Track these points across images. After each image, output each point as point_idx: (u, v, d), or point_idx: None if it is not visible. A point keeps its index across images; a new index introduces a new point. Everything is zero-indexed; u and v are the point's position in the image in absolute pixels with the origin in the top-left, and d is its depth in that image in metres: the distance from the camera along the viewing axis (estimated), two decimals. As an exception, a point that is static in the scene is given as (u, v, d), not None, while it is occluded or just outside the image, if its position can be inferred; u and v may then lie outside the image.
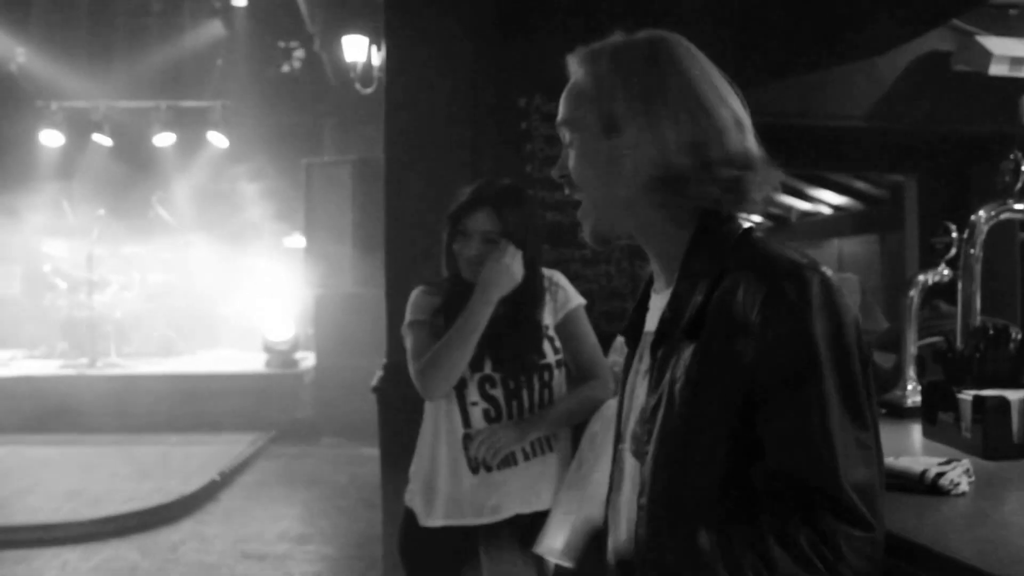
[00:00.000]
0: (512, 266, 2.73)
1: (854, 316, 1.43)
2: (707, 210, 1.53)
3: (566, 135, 1.60)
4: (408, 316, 2.90)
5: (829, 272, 1.43)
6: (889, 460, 2.05)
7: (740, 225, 1.56)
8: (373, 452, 5.66)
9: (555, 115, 1.62)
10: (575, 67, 1.60)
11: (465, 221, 2.79)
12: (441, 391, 2.78)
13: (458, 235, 2.80)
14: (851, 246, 11.08)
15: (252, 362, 11.36)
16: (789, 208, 11.58)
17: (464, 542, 2.86)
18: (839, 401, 1.38)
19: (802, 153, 5.66)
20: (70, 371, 10.91)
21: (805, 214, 11.47)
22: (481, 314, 2.71)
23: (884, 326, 3.99)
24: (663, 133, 1.47)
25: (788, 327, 1.38)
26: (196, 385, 10.50)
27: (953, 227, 2.87)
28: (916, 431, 2.73)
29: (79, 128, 13.17)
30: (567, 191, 1.61)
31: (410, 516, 2.92)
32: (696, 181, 1.48)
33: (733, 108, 1.52)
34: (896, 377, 3.09)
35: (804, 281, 1.40)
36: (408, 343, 2.86)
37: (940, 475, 1.97)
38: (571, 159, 1.59)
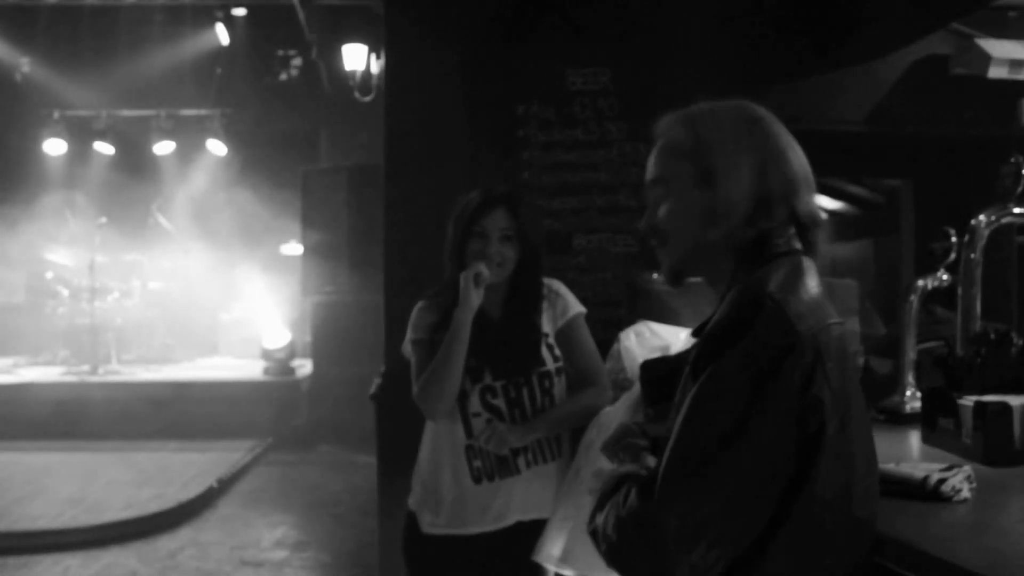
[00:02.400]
0: (468, 289, 2.73)
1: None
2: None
3: (658, 189, 1.77)
4: (409, 334, 2.91)
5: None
6: (889, 466, 2.06)
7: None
8: (368, 460, 5.68)
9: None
10: (667, 127, 1.78)
11: (482, 221, 2.81)
12: (442, 412, 2.81)
13: (474, 236, 2.81)
14: (845, 251, 11.05)
15: (250, 370, 11.34)
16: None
17: (466, 549, 2.86)
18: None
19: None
20: (72, 378, 10.88)
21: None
22: (458, 332, 2.74)
23: (882, 331, 4.00)
24: (752, 186, 1.66)
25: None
26: (195, 392, 10.47)
27: (953, 232, 2.87)
28: (915, 437, 2.72)
29: (81, 136, 13.17)
30: (654, 243, 1.80)
31: (412, 520, 2.93)
32: (778, 230, 1.68)
33: (806, 169, 1.72)
34: (894, 383, 3.08)
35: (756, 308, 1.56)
36: (412, 362, 2.87)
37: (942, 481, 1.97)
38: (662, 210, 1.75)
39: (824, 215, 1.76)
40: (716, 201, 1.67)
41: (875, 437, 2.61)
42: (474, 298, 2.73)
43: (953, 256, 2.88)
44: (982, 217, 2.72)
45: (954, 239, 2.87)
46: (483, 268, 2.75)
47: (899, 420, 2.93)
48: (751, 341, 1.52)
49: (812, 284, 1.64)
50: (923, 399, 2.72)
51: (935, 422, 2.52)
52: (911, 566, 1.70)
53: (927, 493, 1.96)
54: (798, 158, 1.71)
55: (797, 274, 1.64)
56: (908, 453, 2.60)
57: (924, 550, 1.69)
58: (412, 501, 2.96)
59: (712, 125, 1.72)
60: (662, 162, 1.77)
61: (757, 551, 1.53)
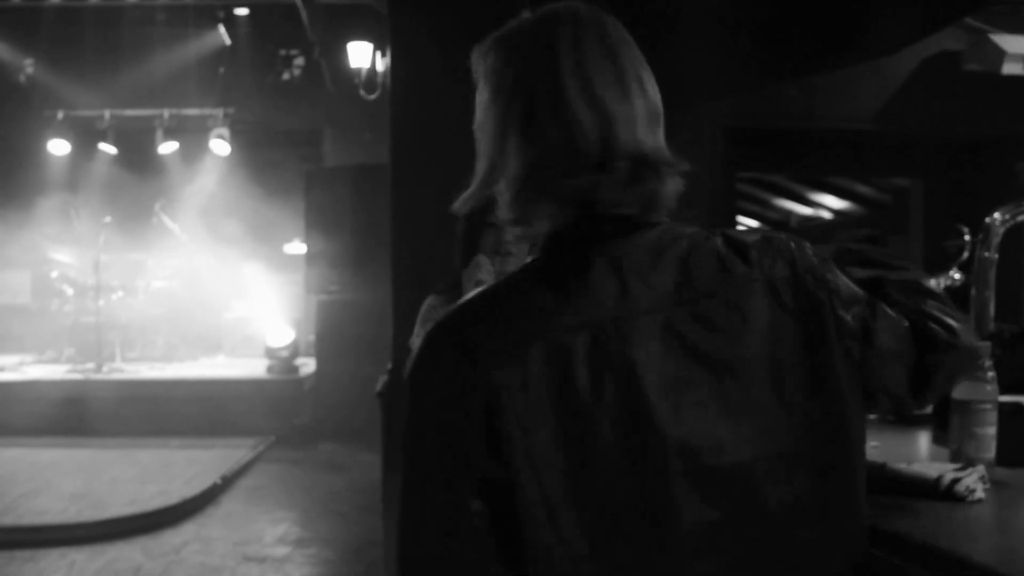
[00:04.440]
0: (485, 280, 2.72)
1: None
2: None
3: None
4: (418, 328, 2.90)
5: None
6: (901, 466, 2.04)
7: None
8: (370, 458, 5.68)
9: None
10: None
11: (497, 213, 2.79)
12: None
13: (489, 228, 2.79)
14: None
15: (253, 368, 11.34)
16: (789, 213, 11.54)
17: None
18: None
19: (808, 156, 5.62)
20: (77, 376, 10.89)
21: (805, 219, 11.43)
22: None
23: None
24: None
25: None
26: (199, 390, 10.48)
27: (966, 230, 2.84)
28: (924, 438, 2.70)
29: (85, 137, 13.21)
30: None
31: None
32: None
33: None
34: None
35: None
36: None
37: (955, 481, 1.94)
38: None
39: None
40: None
41: (884, 437, 2.63)
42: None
43: (966, 255, 2.85)
44: (997, 215, 2.69)
45: (968, 238, 2.84)
46: (484, 265, 2.73)
47: (909, 420, 2.90)
48: None
49: None
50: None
51: (946, 422, 2.50)
52: (926, 564, 1.68)
53: (941, 493, 1.94)
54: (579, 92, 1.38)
55: None
56: (918, 454, 2.58)
57: (940, 547, 1.67)
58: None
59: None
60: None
61: None
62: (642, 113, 1.38)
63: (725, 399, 1.30)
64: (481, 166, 1.48)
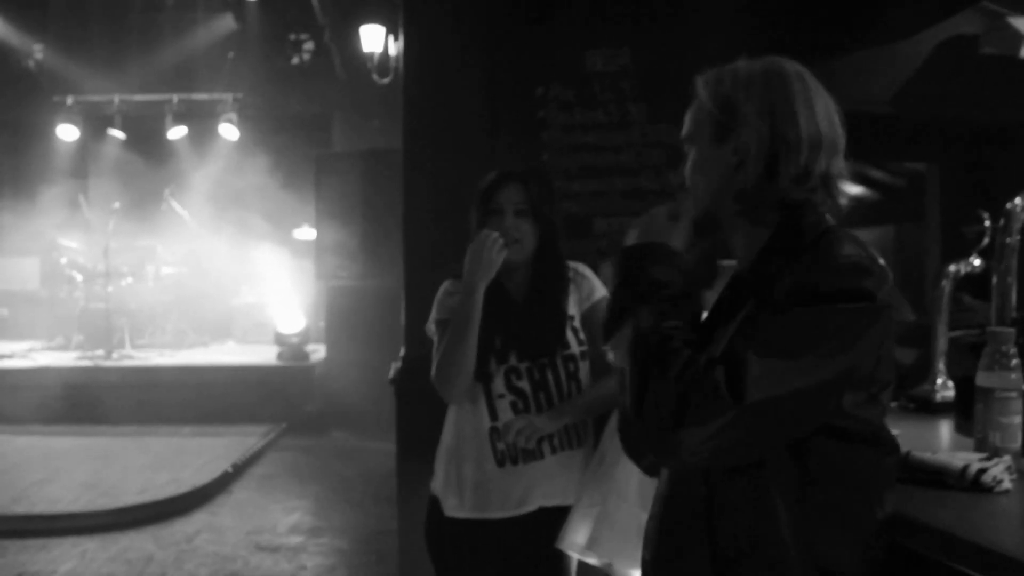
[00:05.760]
0: (492, 251, 2.70)
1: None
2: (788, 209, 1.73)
3: (688, 147, 1.84)
4: (434, 313, 2.88)
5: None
6: (926, 456, 2.01)
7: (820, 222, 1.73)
8: (382, 446, 5.66)
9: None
10: (698, 86, 1.81)
11: (497, 197, 2.80)
12: (457, 393, 2.77)
13: (491, 214, 2.79)
14: (866, 237, 10.85)
15: (263, 354, 11.33)
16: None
17: (489, 535, 2.82)
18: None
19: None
20: (86, 363, 10.90)
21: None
22: (469, 305, 2.72)
23: (912, 318, 3.92)
24: (763, 140, 1.70)
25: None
26: (209, 377, 10.48)
27: (986, 215, 2.79)
28: (946, 427, 2.67)
29: (94, 122, 13.22)
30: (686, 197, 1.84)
31: (435, 505, 2.90)
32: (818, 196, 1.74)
33: (829, 130, 1.73)
34: (921, 372, 3.02)
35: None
36: (435, 342, 2.84)
37: (982, 471, 1.91)
38: (688, 165, 1.84)
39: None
40: (730, 155, 1.73)
41: (905, 425, 2.59)
42: (488, 263, 2.70)
43: (986, 241, 2.80)
44: (1018, 200, 2.64)
45: (988, 223, 2.80)
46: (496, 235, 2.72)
47: (930, 409, 2.87)
48: (866, 305, 1.60)
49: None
50: (957, 388, 2.65)
51: (970, 411, 2.46)
52: (954, 555, 1.65)
53: (967, 483, 1.91)
54: (818, 117, 1.72)
55: (864, 247, 1.68)
56: (940, 442, 2.55)
57: (967, 538, 1.65)
58: (435, 485, 2.93)
59: (731, 81, 1.76)
60: (689, 119, 1.83)
61: None
62: None
63: None
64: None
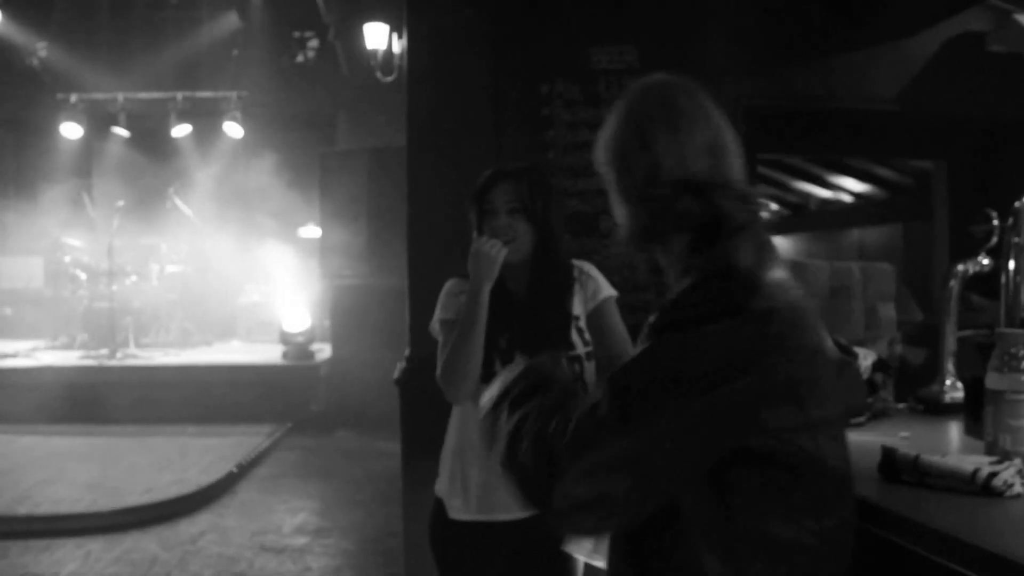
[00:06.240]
0: (490, 252, 2.67)
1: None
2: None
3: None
4: (438, 313, 2.85)
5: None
6: (936, 459, 1.98)
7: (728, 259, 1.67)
8: (388, 446, 5.64)
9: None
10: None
11: (489, 196, 2.78)
12: (463, 394, 2.74)
13: (485, 215, 2.76)
14: (873, 235, 10.91)
15: (268, 354, 11.32)
16: (807, 196, 11.42)
17: (494, 537, 2.80)
18: None
19: (827, 137, 5.54)
20: (90, 362, 10.90)
21: (824, 202, 11.30)
22: (474, 308, 2.69)
23: (919, 318, 3.90)
24: (653, 165, 1.74)
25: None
26: (213, 376, 10.46)
27: (994, 214, 2.77)
28: (955, 428, 2.64)
29: (98, 120, 13.21)
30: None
31: (439, 507, 2.88)
32: (731, 204, 1.71)
33: (718, 143, 1.75)
34: (928, 372, 2.99)
35: None
36: (440, 343, 2.81)
37: (992, 475, 1.88)
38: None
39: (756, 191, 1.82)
40: (633, 181, 1.77)
41: (915, 427, 2.56)
42: (490, 264, 2.68)
43: (995, 240, 2.77)
44: (1028, 199, 2.62)
45: (996, 222, 2.77)
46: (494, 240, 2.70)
47: (938, 410, 2.84)
48: (729, 320, 1.56)
49: (778, 261, 1.70)
50: (966, 389, 2.62)
51: (980, 413, 2.43)
52: (963, 561, 1.62)
53: (978, 488, 1.88)
54: (706, 132, 1.75)
55: (764, 251, 1.69)
56: (949, 445, 2.52)
57: (976, 545, 1.62)
58: (439, 487, 2.91)
59: (625, 114, 1.81)
60: (600, 151, 1.87)
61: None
62: None
63: None
64: None
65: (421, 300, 2.93)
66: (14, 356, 11.07)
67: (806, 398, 1.60)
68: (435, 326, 2.86)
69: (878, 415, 2.73)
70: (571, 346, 2.80)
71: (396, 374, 4.31)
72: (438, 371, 2.76)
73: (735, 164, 1.76)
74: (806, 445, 1.61)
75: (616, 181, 1.82)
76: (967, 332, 3.00)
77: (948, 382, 2.89)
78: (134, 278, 11.90)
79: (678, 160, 1.72)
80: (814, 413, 1.62)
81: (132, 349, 11.30)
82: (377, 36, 9.87)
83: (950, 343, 2.92)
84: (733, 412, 1.54)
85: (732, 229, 1.68)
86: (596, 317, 2.83)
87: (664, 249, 1.79)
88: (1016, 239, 2.66)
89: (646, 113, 1.78)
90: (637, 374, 1.60)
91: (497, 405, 1.80)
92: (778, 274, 1.67)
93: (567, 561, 2.79)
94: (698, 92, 1.81)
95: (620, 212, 1.83)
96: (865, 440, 2.37)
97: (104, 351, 11.11)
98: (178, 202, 12.67)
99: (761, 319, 1.57)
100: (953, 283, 2.91)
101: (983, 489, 1.87)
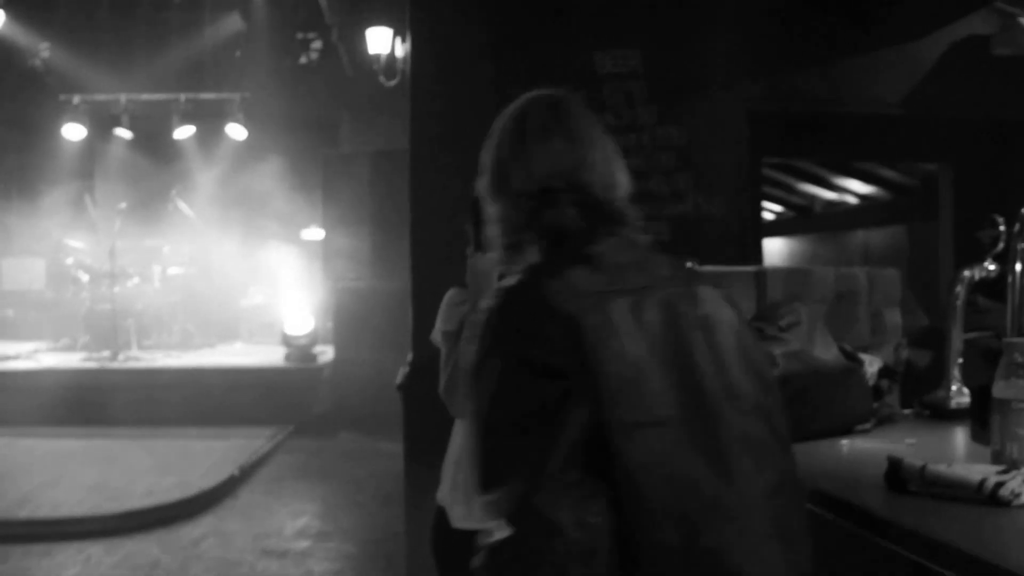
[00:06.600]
0: (486, 268, 2.65)
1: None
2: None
3: None
4: (439, 324, 2.83)
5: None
6: (942, 468, 1.96)
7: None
8: (390, 447, 5.62)
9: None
10: None
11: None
12: (466, 410, 2.72)
13: (480, 223, 2.74)
14: (878, 237, 10.90)
15: (271, 356, 11.31)
16: (812, 198, 11.41)
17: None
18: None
19: (834, 140, 5.53)
20: (92, 364, 10.90)
21: (830, 204, 11.30)
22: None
23: (924, 322, 3.87)
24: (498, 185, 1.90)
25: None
26: (216, 379, 10.45)
27: (1001, 219, 2.75)
28: (961, 435, 2.61)
29: (101, 121, 13.21)
30: None
31: (441, 515, 2.86)
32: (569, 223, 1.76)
33: (571, 158, 1.82)
34: (935, 376, 2.97)
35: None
36: (442, 353, 2.79)
37: (999, 485, 1.86)
38: None
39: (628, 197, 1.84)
40: (495, 190, 1.91)
41: (920, 434, 2.54)
42: (488, 279, 2.65)
43: (1002, 245, 2.75)
44: (1035, 204, 2.60)
45: (1003, 227, 2.75)
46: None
47: (944, 416, 2.82)
48: (498, 321, 1.67)
49: (582, 270, 1.67)
50: (973, 395, 2.60)
51: (986, 419, 2.41)
52: (968, 573, 1.60)
53: (984, 497, 1.86)
54: (557, 147, 1.83)
55: (564, 262, 1.68)
56: (956, 451, 2.50)
57: (982, 557, 1.60)
58: (441, 495, 2.89)
59: (493, 128, 1.94)
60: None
61: None
62: None
63: None
64: None
65: (424, 305, 2.92)
66: (16, 358, 11.07)
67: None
68: (436, 336, 2.85)
69: (884, 421, 2.71)
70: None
71: (399, 379, 4.30)
72: (440, 386, 2.75)
73: (601, 178, 1.82)
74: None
75: (485, 190, 1.94)
76: (973, 335, 2.98)
77: (954, 388, 2.87)
78: (136, 280, 11.89)
79: (528, 172, 1.82)
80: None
81: (134, 351, 11.30)
82: (380, 40, 9.86)
83: (956, 349, 2.89)
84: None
85: (568, 238, 1.73)
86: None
87: (524, 259, 1.82)
88: (1022, 245, 2.64)
89: (503, 127, 1.91)
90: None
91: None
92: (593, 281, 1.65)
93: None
94: (571, 107, 1.91)
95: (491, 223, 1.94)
96: (871, 447, 2.36)
97: (106, 353, 11.10)
98: (181, 204, 12.67)
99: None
100: (959, 288, 2.89)
101: (990, 499, 1.85)
